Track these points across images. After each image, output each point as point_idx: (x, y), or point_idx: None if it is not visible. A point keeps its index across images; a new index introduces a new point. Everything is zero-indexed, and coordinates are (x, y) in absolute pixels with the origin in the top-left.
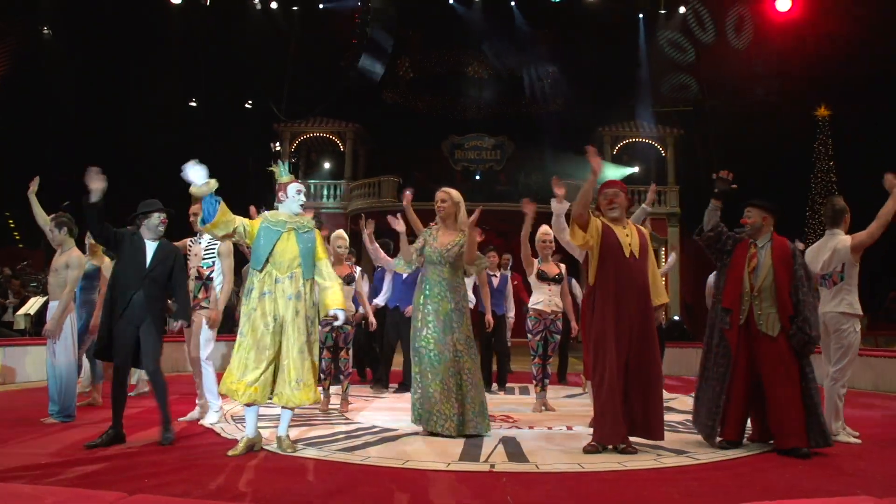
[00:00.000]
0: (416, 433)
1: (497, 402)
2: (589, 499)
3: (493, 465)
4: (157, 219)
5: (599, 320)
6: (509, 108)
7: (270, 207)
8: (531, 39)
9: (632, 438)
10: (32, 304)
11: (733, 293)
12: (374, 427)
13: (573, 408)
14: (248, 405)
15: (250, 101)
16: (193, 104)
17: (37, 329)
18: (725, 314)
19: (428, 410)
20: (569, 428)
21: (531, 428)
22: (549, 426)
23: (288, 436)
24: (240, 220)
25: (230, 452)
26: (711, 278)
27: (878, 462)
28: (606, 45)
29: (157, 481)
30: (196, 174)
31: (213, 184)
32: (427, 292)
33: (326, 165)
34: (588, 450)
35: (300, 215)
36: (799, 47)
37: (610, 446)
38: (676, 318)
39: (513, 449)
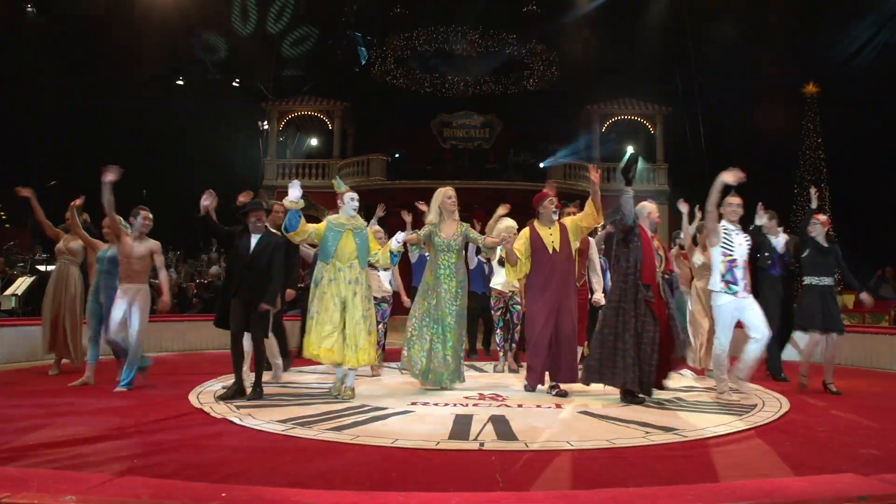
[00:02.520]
0: (406, 412)
1: (485, 381)
2: (578, 477)
3: (482, 444)
4: (253, 216)
5: (532, 300)
6: (498, 86)
7: (253, 185)
8: (519, 17)
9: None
10: (20, 285)
11: (652, 272)
12: (364, 406)
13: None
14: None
15: (238, 80)
16: (180, 83)
17: (25, 309)
18: (647, 289)
19: (431, 370)
20: (558, 406)
21: (520, 406)
22: (538, 404)
23: (351, 388)
24: (311, 227)
25: (346, 397)
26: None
27: (865, 438)
28: (595, 22)
29: (147, 461)
30: (295, 193)
31: (302, 203)
32: (438, 274)
33: (314, 143)
34: (527, 388)
35: (355, 217)
36: (787, 22)
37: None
38: None
39: (502, 427)
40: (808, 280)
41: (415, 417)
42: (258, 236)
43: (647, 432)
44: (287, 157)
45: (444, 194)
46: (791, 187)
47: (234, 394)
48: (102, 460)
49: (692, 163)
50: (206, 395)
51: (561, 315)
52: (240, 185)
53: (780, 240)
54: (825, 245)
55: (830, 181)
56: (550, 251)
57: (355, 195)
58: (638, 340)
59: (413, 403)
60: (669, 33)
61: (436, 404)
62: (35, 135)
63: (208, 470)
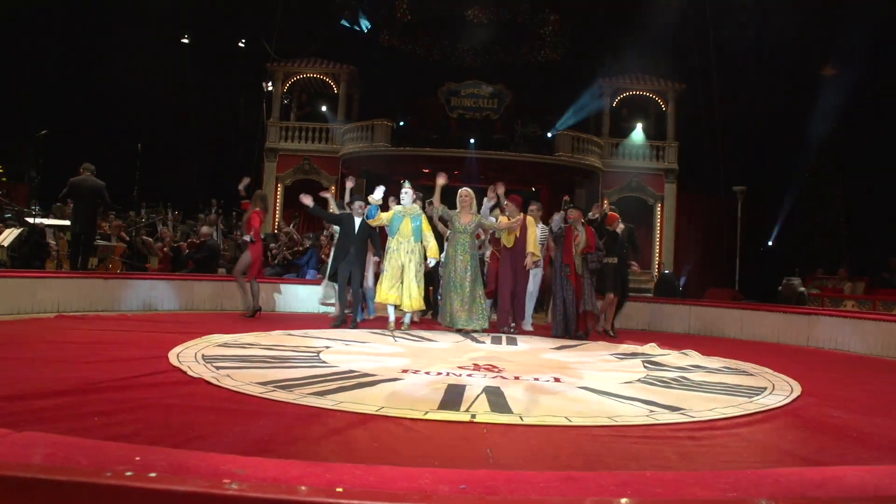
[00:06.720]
0: (395, 380)
1: (483, 351)
2: (576, 455)
3: (473, 416)
4: (357, 205)
5: (503, 268)
6: (508, 56)
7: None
8: None
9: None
10: (7, 236)
11: (570, 255)
12: (352, 371)
13: (562, 357)
14: (392, 305)
15: (244, 40)
16: (185, 41)
17: (15, 263)
18: (567, 267)
19: (457, 317)
20: (556, 380)
21: (517, 378)
22: (536, 377)
23: (408, 325)
24: (385, 216)
25: (389, 330)
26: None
27: (884, 427)
28: None
29: (107, 420)
30: (379, 195)
31: (381, 201)
32: (458, 249)
33: (319, 107)
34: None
35: (411, 206)
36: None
37: (505, 328)
38: (667, 270)
39: (496, 399)
40: (605, 259)
41: (404, 385)
42: (359, 219)
43: (652, 411)
44: (291, 119)
45: (460, 194)
46: (804, 168)
47: (340, 324)
48: (58, 416)
49: (703, 142)
50: (187, 354)
51: (518, 276)
52: (241, 145)
53: (618, 229)
54: (615, 233)
55: (844, 165)
56: (517, 235)
57: (406, 189)
58: (564, 302)
59: (404, 371)
60: (686, 8)
61: (427, 373)
62: (35, 87)
63: (173, 431)
